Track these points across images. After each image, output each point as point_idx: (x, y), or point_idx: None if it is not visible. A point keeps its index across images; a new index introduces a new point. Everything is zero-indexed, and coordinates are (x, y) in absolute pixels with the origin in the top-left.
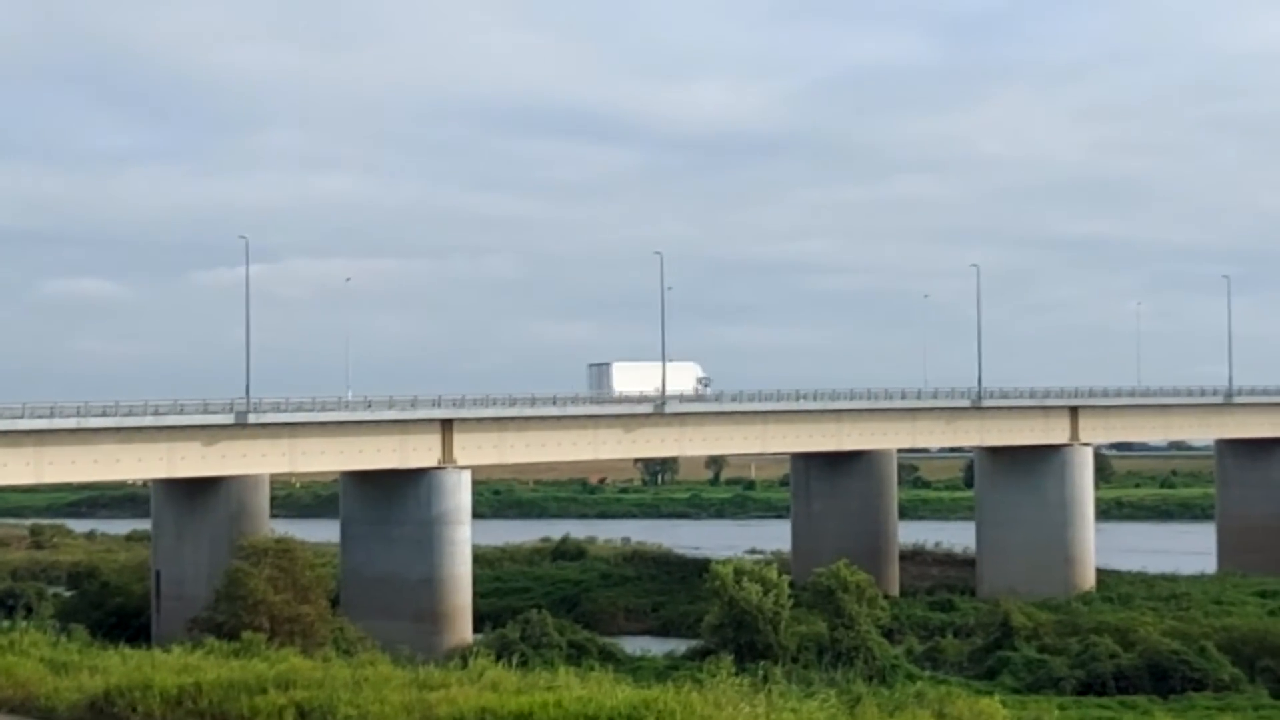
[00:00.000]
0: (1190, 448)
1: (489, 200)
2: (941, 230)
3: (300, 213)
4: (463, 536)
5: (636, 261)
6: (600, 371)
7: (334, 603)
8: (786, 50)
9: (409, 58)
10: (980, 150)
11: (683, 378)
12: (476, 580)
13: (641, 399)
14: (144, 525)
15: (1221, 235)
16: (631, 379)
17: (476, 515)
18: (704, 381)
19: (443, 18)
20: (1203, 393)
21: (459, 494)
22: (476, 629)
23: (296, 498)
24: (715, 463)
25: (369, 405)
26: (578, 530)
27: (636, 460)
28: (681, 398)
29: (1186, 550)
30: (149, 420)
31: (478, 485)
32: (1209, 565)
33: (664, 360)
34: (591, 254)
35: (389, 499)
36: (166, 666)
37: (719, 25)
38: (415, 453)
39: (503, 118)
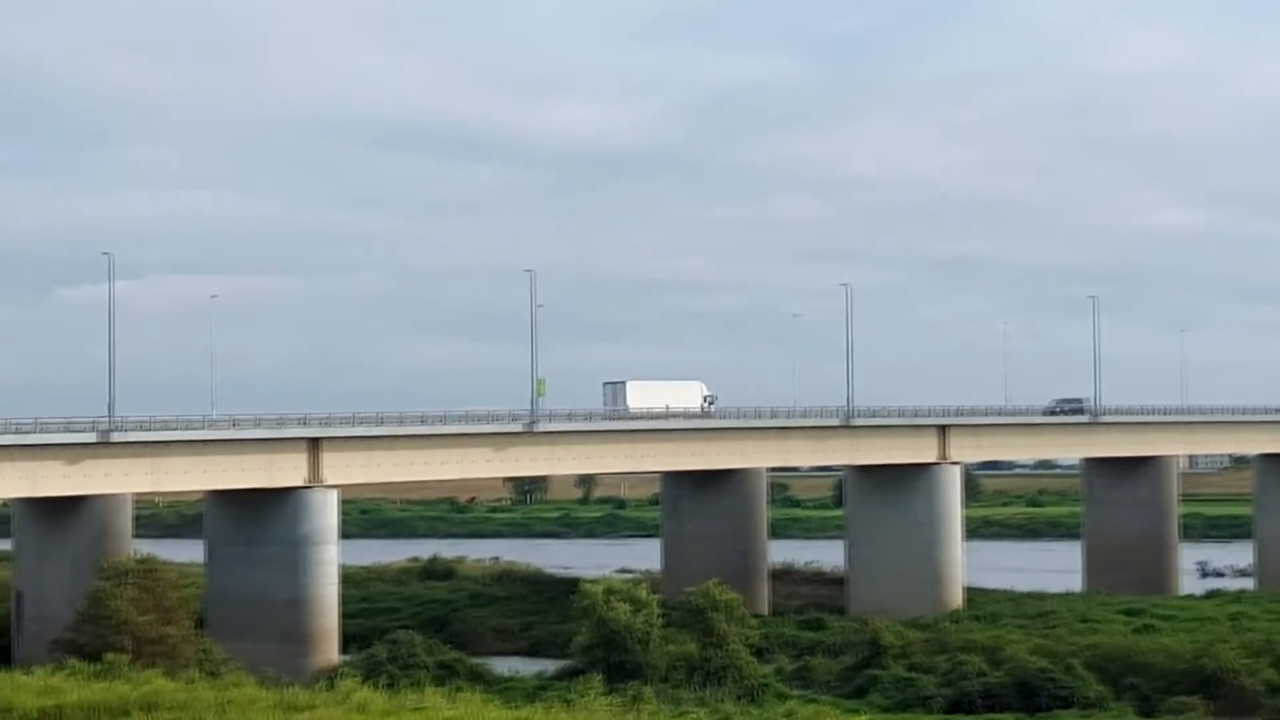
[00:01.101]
0: (1058, 466)
1: (358, 217)
2: (814, 249)
3: (168, 229)
4: (330, 556)
5: (508, 279)
6: (615, 390)
7: (199, 623)
8: (657, 68)
9: (279, 74)
10: (852, 170)
11: (689, 396)
12: (344, 601)
13: (512, 417)
14: (4, 545)
15: (1090, 255)
16: (645, 397)
17: (344, 535)
18: (709, 399)
19: (312, 35)
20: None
21: (326, 514)
22: (344, 650)
23: (161, 517)
24: (586, 482)
25: (234, 424)
26: (447, 550)
27: (506, 479)
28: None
29: (1054, 569)
30: (10, 439)
31: (346, 505)
32: (1076, 583)
33: (536, 369)
34: (462, 271)
35: (255, 519)
36: (28, 689)
37: (589, 43)
38: (282, 472)
39: (372, 134)
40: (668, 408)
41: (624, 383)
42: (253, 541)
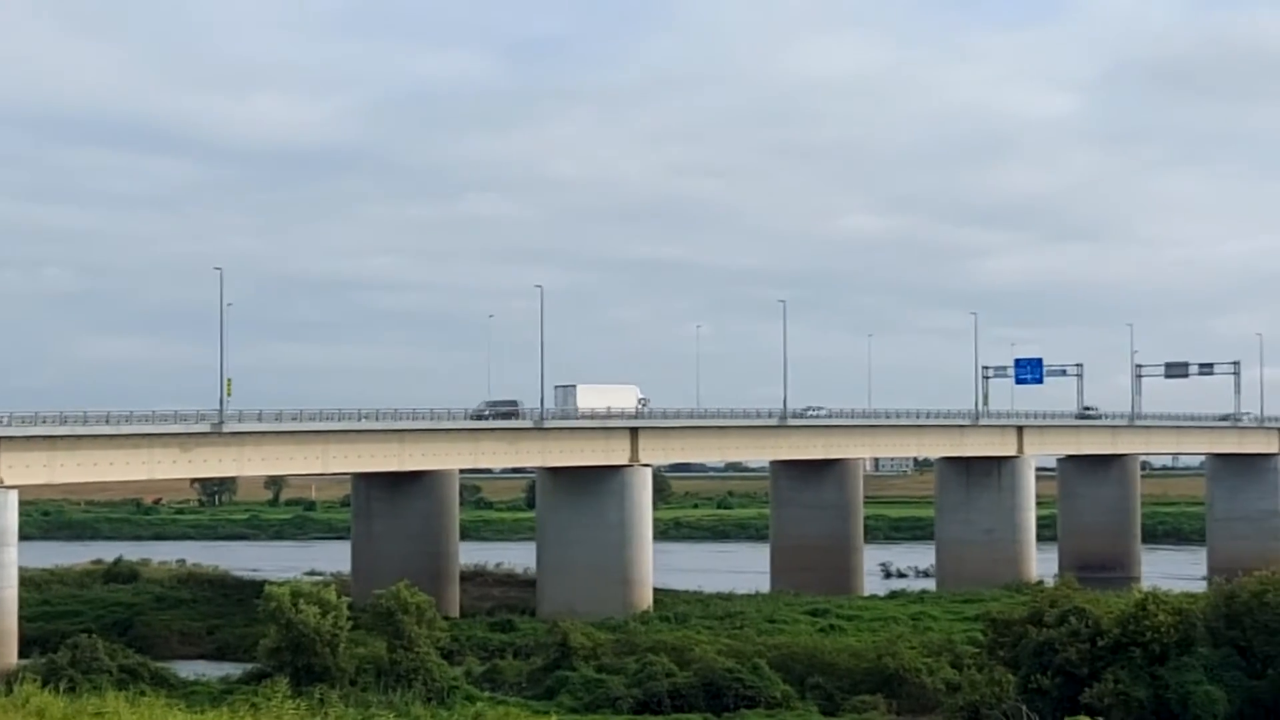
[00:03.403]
0: (747, 469)
1: (45, 212)
2: (509, 250)
3: None
4: (9, 559)
5: (198, 277)
6: (566, 392)
7: None
8: (352, 65)
9: None
10: (549, 171)
11: (625, 398)
12: (23, 604)
13: (199, 417)
14: None
15: (781, 259)
16: (592, 399)
17: (24, 537)
18: (643, 402)
19: None
20: (759, 415)
21: (5, 515)
22: (23, 654)
23: None
24: (275, 483)
25: None
26: (132, 552)
27: (194, 480)
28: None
29: (742, 570)
30: None
31: (26, 506)
32: (763, 584)
33: (225, 369)
34: (153, 267)
35: None
36: None
37: (283, 39)
38: None
39: (59, 128)
40: (609, 409)
41: (574, 386)
42: None
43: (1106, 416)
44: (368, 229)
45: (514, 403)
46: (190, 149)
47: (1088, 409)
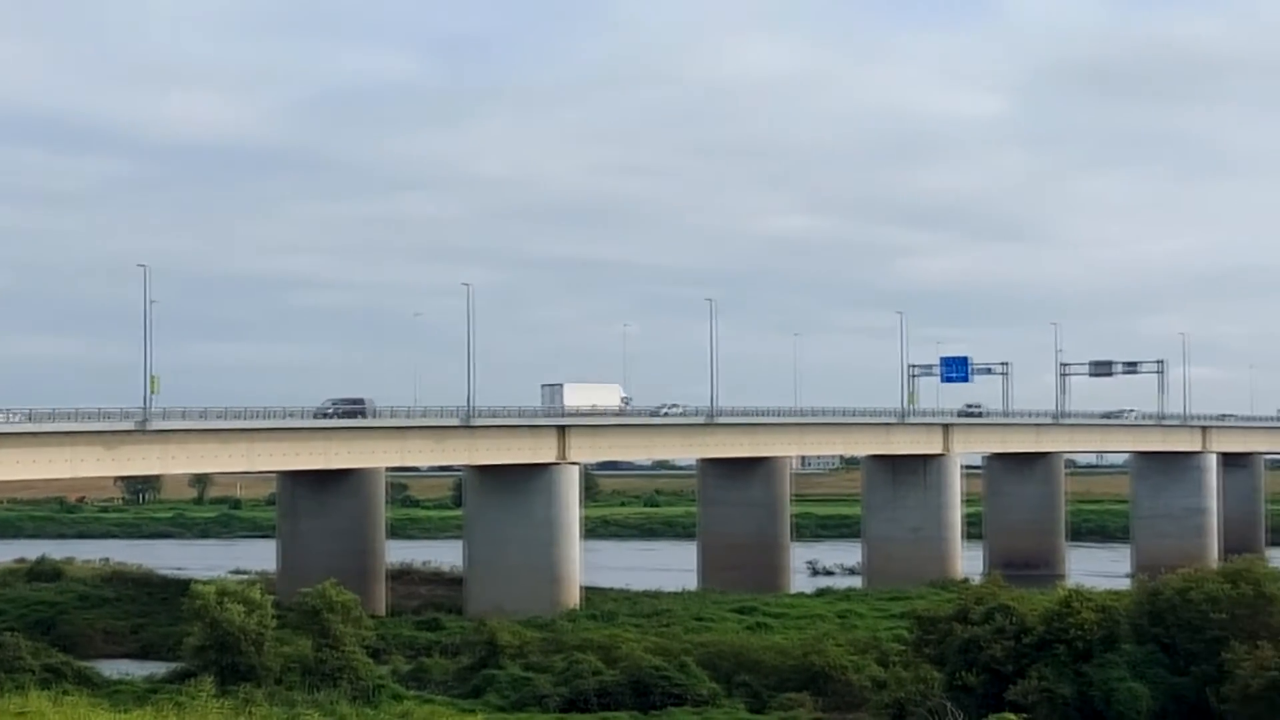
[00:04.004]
0: (675, 467)
1: None
2: (437, 248)
3: None
4: None
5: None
6: (553, 391)
7: None
8: (280, 63)
9: None
10: (476, 169)
11: (607, 396)
12: None
13: (124, 415)
14: None
15: (708, 258)
16: (578, 397)
17: None
18: (626, 400)
19: None
20: (686, 413)
21: None
22: None
23: None
24: (200, 481)
25: None
26: (56, 550)
27: (118, 479)
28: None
29: (669, 568)
30: None
31: None
32: (691, 582)
33: (149, 366)
34: (83, 266)
35: None
36: None
37: (210, 36)
38: None
39: None
40: (594, 406)
41: (561, 385)
42: None
43: (1031, 415)
44: (296, 227)
45: (360, 400)
46: (116, 147)
47: (970, 406)
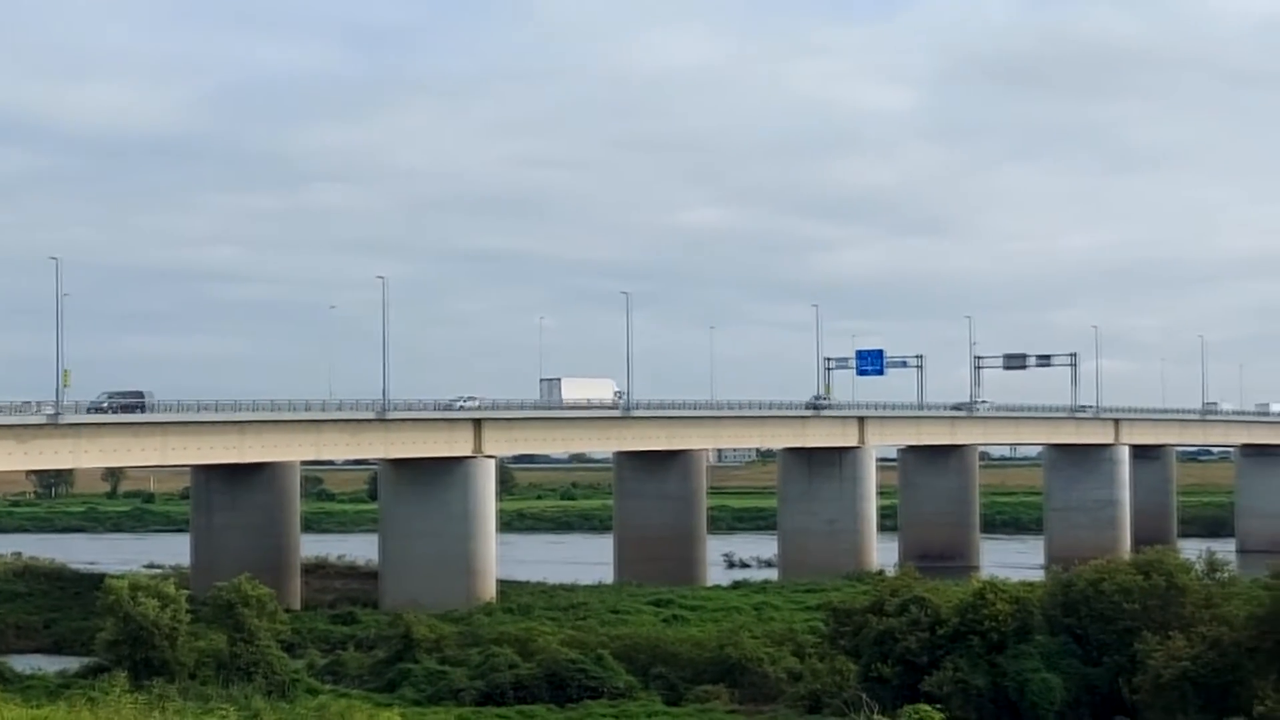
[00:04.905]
0: (591, 460)
1: None
2: (354, 241)
3: None
4: None
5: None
6: (551, 385)
7: None
8: (194, 54)
9: None
10: (394, 161)
11: (601, 390)
12: None
13: (35, 408)
14: None
15: (626, 251)
16: (576, 390)
17: None
18: (619, 394)
19: None
20: (603, 405)
21: None
22: None
23: None
24: (113, 475)
25: None
26: None
27: (29, 473)
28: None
29: (585, 561)
30: None
31: None
32: (607, 575)
33: (62, 360)
34: None
35: None
36: None
37: (121, 26)
38: None
39: None
40: (589, 401)
41: (559, 379)
42: None
43: (939, 407)
44: (211, 219)
45: (140, 394)
46: (27, 138)
47: (818, 398)
